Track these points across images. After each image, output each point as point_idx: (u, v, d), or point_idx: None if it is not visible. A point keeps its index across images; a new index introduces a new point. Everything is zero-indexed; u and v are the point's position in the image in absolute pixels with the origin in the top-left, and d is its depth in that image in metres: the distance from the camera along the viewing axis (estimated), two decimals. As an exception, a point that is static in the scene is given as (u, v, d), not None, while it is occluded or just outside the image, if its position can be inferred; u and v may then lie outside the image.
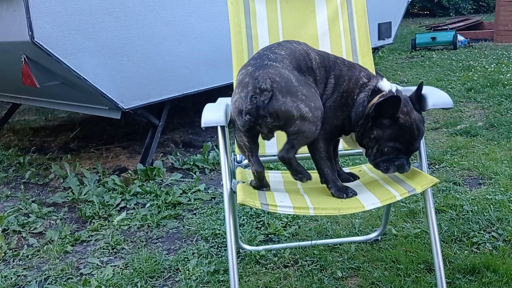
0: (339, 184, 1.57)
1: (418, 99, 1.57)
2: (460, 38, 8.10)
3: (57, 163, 3.42)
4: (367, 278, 1.90)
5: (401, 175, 1.63)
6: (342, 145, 1.86)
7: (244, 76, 1.48)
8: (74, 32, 2.74)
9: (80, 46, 2.78)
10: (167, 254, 2.20)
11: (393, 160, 1.52)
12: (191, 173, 3.21)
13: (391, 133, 1.49)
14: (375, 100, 1.53)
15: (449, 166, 3.01)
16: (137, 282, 1.97)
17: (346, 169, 1.83)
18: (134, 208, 2.70)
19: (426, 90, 1.60)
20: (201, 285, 1.93)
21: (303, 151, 1.58)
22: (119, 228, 2.47)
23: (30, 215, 2.65)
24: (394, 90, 1.55)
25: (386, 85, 1.56)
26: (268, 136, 1.56)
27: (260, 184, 1.59)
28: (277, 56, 1.51)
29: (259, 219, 2.44)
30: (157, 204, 2.70)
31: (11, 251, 2.29)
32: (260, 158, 1.97)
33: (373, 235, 2.21)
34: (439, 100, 1.55)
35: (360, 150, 1.87)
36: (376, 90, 1.56)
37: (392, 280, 1.86)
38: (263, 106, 1.42)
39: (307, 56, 1.58)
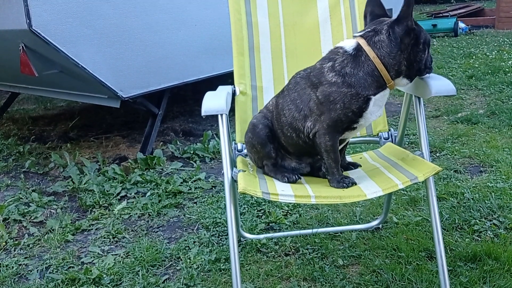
0: (337, 177, 1.55)
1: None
2: (461, 25, 8.05)
3: (56, 152, 3.41)
4: (368, 266, 1.90)
5: (402, 163, 1.62)
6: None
7: None
8: (72, 20, 2.71)
9: (78, 34, 2.75)
10: (168, 243, 2.20)
11: None
12: (191, 162, 3.20)
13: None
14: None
15: (450, 154, 3.01)
16: (138, 271, 1.97)
17: (348, 158, 1.82)
18: (134, 197, 2.69)
19: (428, 76, 1.58)
20: (202, 274, 1.93)
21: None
22: (120, 217, 2.47)
23: (30, 204, 2.65)
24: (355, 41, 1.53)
25: (348, 43, 1.54)
26: None
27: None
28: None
29: (260, 208, 2.44)
30: (157, 193, 2.70)
31: (12, 240, 2.29)
32: None
33: (374, 223, 2.20)
34: (442, 88, 1.53)
35: (361, 137, 1.86)
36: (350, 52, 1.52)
37: (393, 268, 1.86)
38: None
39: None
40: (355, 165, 1.74)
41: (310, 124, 1.55)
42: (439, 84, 1.53)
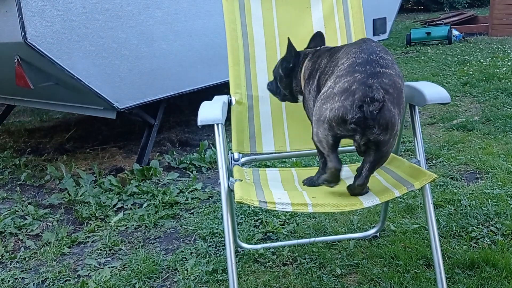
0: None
1: None
2: (455, 32, 8.11)
3: (52, 164, 3.40)
4: (366, 275, 1.90)
5: (399, 171, 1.62)
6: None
7: (351, 83, 1.36)
8: (67, 32, 2.72)
9: (73, 46, 2.76)
10: (165, 254, 2.19)
11: None
12: (188, 172, 3.20)
13: None
14: None
15: (446, 161, 3.01)
16: (135, 283, 1.95)
17: (345, 167, 1.82)
18: (131, 209, 2.68)
19: (423, 85, 1.59)
20: (199, 285, 1.92)
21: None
22: (116, 228, 2.46)
23: (26, 217, 2.63)
24: None
25: None
26: (360, 151, 1.44)
27: (333, 179, 1.49)
28: (387, 62, 1.40)
29: (257, 217, 2.43)
30: (154, 204, 2.69)
31: (8, 253, 2.28)
32: (257, 157, 1.96)
33: (371, 231, 2.20)
34: (436, 95, 1.54)
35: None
36: None
37: (392, 277, 1.85)
38: (372, 116, 1.32)
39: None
40: None
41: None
42: (433, 92, 1.54)
